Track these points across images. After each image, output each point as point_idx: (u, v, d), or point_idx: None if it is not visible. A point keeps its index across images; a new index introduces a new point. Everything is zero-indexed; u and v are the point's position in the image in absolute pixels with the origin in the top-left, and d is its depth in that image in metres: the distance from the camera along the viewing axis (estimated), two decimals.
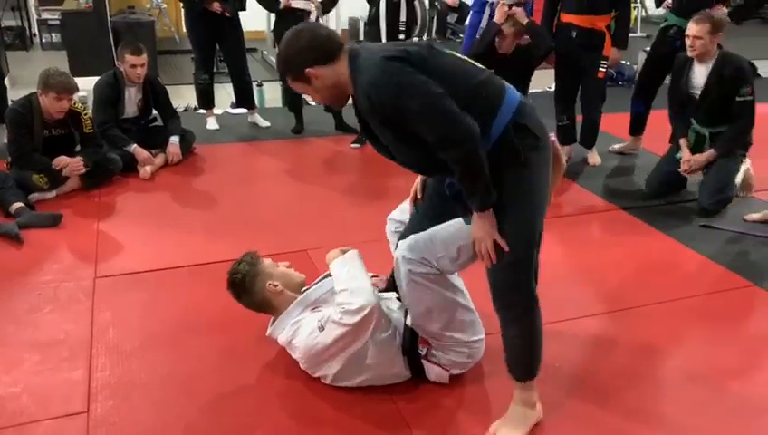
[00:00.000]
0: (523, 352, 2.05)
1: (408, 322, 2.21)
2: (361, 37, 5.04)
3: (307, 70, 1.84)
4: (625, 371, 2.42)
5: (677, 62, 3.92)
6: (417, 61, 1.79)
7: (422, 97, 1.75)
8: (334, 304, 2.10)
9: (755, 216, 3.68)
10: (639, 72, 4.65)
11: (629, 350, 2.55)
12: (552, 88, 4.79)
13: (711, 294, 2.98)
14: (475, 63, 1.96)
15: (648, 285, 3.02)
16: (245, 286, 2.27)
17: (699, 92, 3.78)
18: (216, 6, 4.67)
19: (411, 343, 2.21)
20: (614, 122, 4.66)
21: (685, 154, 3.88)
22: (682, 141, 3.92)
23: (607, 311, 2.80)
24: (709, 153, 3.78)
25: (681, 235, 3.51)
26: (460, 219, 2.01)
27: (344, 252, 2.22)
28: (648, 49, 4.72)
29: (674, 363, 2.48)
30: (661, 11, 4.95)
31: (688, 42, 3.72)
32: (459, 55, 1.97)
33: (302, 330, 2.16)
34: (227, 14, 4.72)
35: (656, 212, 3.81)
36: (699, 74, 3.79)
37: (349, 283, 2.09)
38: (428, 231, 2.06)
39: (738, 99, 3.67)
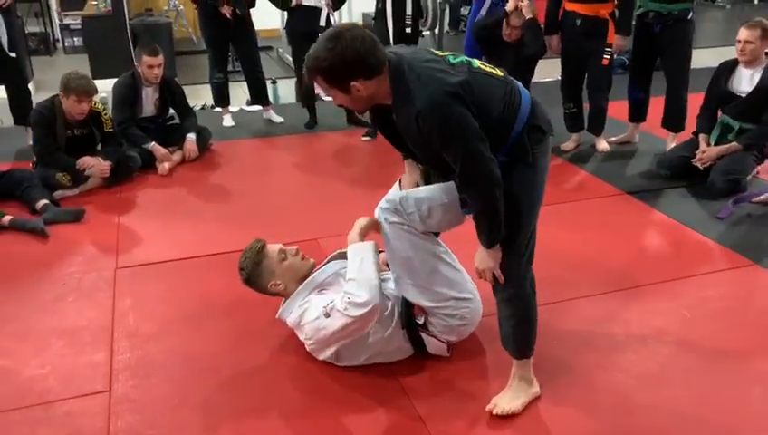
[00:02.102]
0: (515, 332, 2.13)
1: (396, 287, 2.29)
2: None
3: (352, 83, 1.80)
4: (624, 347, 2.50)
5: (721, 69, 3.97)
6: (469, 94, 1.80)
7: (467, 142, 1.79)
8: (341, 291, 2.17)
9: (762, 197, 3.73)
10: (630, 63, 4.63)
11: (629, 328, 2.62)
12: None
13: (712, 273, 3.05)
14: (494, 71, 1.95)
15: (652, 267, 3.08)
16: (250, 283, 2.38)
17: (742, 94, 3.85)
18: (226, 10, 4.78)
19: (408, 315, 2.29)
20: (621, 109, 4.69)
21: (702, 146, 3.97)
22: (702, 136, 4.00)
23: (609, 291, 2.87)
24: (730, 145, 3.87)
25: (688, 219, 3.56)
26: (439, 184, 2.08)
27: (364, 234, 2.24)
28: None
29: (671, 339, 2.54)
30: None
31: (739, 46, 3.79)
32: (482, 67, 1.94)
33: (308, 313, 2.25)
34: (237, 15, 4.82)
35: (663, 197, 3.86)
36: (744, 76, 3.86)
37: (358, 274, 2.13)
38: (406, 190, 2.19)
39: None
